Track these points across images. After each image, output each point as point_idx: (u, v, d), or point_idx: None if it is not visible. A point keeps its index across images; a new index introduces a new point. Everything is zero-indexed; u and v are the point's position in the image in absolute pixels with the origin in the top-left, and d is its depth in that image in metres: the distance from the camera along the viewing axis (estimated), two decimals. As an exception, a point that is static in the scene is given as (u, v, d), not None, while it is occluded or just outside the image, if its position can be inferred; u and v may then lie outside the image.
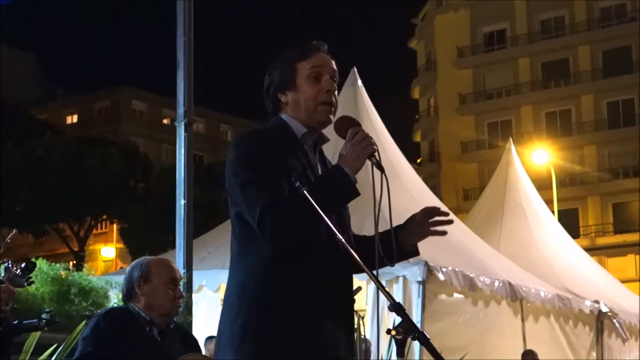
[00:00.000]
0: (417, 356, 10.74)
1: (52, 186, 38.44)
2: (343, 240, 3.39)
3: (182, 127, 11.66)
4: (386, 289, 3.31)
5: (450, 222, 3.79)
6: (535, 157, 40.30)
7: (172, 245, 12.15)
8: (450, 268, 11.52)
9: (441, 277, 11.23)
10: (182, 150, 11.60)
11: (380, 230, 3.66)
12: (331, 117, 3.75)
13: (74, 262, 38.10)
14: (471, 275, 11.84)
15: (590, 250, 29.76)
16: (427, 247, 12.08)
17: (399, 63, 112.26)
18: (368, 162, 3.55)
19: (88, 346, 4.77)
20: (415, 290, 11.20)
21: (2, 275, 4.95)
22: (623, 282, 21.40)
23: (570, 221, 39.45)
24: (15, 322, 4.85)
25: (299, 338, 3.45)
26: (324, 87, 3.72)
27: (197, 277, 11.75)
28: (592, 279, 17.20)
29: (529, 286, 13.36)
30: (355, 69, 15.02)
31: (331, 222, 3.40)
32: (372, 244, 3.60)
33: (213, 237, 13.81)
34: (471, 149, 55.02)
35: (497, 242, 16.50)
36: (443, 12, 57.16)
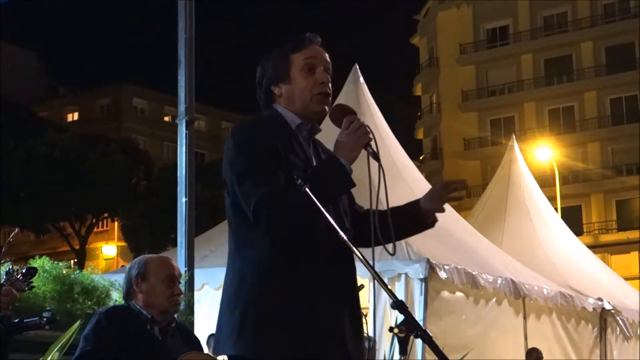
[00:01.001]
0: (419, 354, 10.72)
1: (53, 184, 38.43)
2: (345, 237, 3.37)
3: (184, 124, 11.64)
4: (388, 286, 3.29)
5: (465, 186, 3.90)
6: (538, 154, 40.29)
7: (174, 243, 12.14)
8: (452, 266, 11.50)
9: (443, 274, 11.21)
10: (184, 147, 11.59)
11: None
12: (326, 107, 3.74)
13: (75, 260, 38.23)
14: (473, 273, 11.82)
15: (594, 247, 29.77)
16: (429, 244, 12.08)
17: (401, 60, 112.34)
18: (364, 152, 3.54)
19: (89, 344, 4.77)
20: (417, 288, 11.18)
21: (3, 278, 4.95)
22: (626, 279, 21.37)
23: (573, 218, 39.47)
24: (17, 320, 4.84)
25: (298, 330, 3.44)
26: (318, 78, 3.71)
27: (199, 275, 11.74)
28: (596, 277, 17.17)
29: (532, 284, 13.34)
30: (357, 66, 14.99)
31: (330, 215, 3.38)
32: (380, 219, 3.62)
33: (215, 235, 13.79)
34: (474, 146, 55.00)
35: (500, 239, 16.48)
36: (445, 8, 57.10)
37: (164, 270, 5.06)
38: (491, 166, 42.15)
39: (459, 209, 18.59)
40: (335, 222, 3.39)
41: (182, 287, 10.49)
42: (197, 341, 5.36)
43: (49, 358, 6.02)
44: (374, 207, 3.61)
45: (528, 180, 18.73)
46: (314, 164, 3.70)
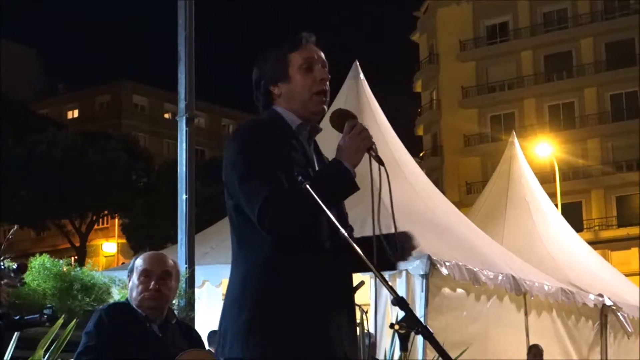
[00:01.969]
0: (420, 350, 10.73)
1: (53, 181, 38.43)
2: (345, 234, 3.36)
3: (184, 121, 11.63)
4: (389, 283, 3.29)
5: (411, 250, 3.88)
6: (539, 150, 40.31)
7: (174, 240, 12.13)
8: (453, 262, 11.50)
9: (444, 271, 11.21)
10: (184, 144, 11.58)
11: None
12: (325, 107, 3.74)
13: (76, 257, 38.24)
14: (474, 269, 11.82)
15: (594, 243, 29.76)
16: (430, 240, 12.08)
17: (401, 56, 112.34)
18: (366, 155, 3.53)
19: (91, 340, 4.80)
20: (418, 284, 11.17)
21: None
22: (626, 275, 21.37)
23: (573, 214, 39.48)
24: (17, 317, 4.83)
25: (305, 331, 3.43)
26: (318, 76, 3.71)
27: (200, 273, 11.74)
28: (596, 273, 17.17)
29: (533, 280, 13.34)
30: (358, 63, 14.98)
31: (332, 216, 3.37)
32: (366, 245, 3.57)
33: (215, 232, 13.79)
34: (474, 142, 55.04)
35: (501, 235, 16.49)
36: (445, 4, 57.09)
37: (141, 265, 5.08)
38: (491, 162, 42.14)
39: (459, 206, 18.61)
40: (337, 219, 3.39)
41: (182, 284, 10.52)
42: (198, 337, 5.37)
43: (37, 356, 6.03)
44: (376, 209, 3.59)
45: (528, 177, 18.73)
46: (315, 164, 3.70)
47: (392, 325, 3.28)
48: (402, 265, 10.97)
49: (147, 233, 38.84)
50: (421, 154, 57.65)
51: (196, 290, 11.42)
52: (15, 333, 5.21)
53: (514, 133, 20.20)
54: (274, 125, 3.65)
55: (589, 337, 14.89)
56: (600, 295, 15.06)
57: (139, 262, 5.10)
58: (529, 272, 13.88)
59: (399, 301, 3.19)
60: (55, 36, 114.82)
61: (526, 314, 13.33)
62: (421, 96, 60.51)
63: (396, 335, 3.30)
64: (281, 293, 3.44)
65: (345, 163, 3.47)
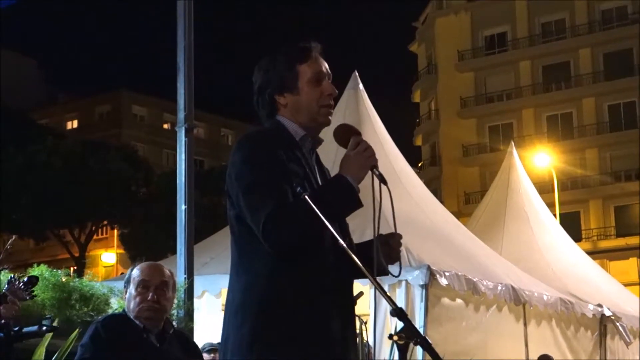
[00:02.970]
0: (419, 361, 10.71)
1: (52, 191, 38.42)
2: (345, 245, 3.37)
3: (183, 131, 11.65)
4: (388, 293, 3.30)
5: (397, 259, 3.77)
6: (537, 160, 40.32)
7: (173, 251, 12.14)
8: (453, 272, 11.49)
9: (444, 281, 11.20)
10: (183, 155, 11.59)
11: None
12: (330, 119, 3.74)
13: (75, 267, 38.21)
14: (474, 279, 11.81)
15: (593, 253, 29.75)
16: (430, 251, 12.08)
17: (400, 66, 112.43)
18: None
19: (87, 352, 4.78)
20: (417, 295, 11.16)
21: (4, 287, 4.94)
22: (625, 285, 21.35)
23: (572, 224, 39.48)
24: (16, 328, 4.83)
25: (307, 343, 3.43)
26: (325, 89, 3.71)
27: (199, 283, 11.72)
28: (595, 283, 17.15)
29: (532, 290, 13.33)
30: (357, 73, 14.99)
31: (333, 227, 3.38)
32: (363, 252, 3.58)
33: (214, 242, 13.77)
34: (472, 152, 55.06)
35: (499, 245, 16.47)
36: (444, 15, 57.19)
37: (139, 276, 5.06)
38: (490, 172, 42.19)
39: (458, 216, 18.60)
40: (337, 231, 3.40)
41: (181, 294, 10.51)
42: (196, 347, 5.37)
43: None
44: (377, 226, 3.59)
45: (527, 187, 18.72)
46: (317, 175, 3.71)
47: (390, 336, 3.28)
48: (401, 275, 11.00)
49: (147, 243, 38.81)
50: (420, 164, 57.65)
51: (195, 300, 11.41)
52: None
53: (513, 143, 20.19)
54: (277, 136, 3.64)
55: (588, 347, 14.87)
56: (600, 306, 15.04)
57: (136, 273, 5.07)
58: (528, 282, 13.87)
59: (397, 312, 3.20)
60: (55, 46, 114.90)
61: (525, 324, 13.31)
62: (420, 106, 60.54)
63: (395, 346, 3.30)
64: (283, 304, 3.44)
65: (350, 179, 3.48)
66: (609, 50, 51.84)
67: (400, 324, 3.22)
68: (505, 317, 12.86)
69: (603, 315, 14.97)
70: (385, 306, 10.51)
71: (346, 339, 3.59)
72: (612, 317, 15.06)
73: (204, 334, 10.26)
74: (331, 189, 3.56)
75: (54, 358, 6.24)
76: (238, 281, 3.56)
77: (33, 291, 5.05)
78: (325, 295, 3.51)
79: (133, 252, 41.73)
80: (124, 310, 5.10)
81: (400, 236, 3.79)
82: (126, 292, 5.05)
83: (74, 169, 39.32)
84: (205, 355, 9.89)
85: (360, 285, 8.48)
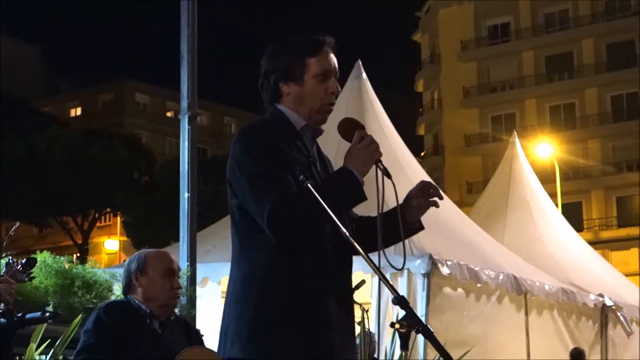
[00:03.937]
0: (421, 349, 10.74)
1: (55, 179, 38.47)
2: (347, 234, 3.37)
3: (186, 119, 11.65)
4: (390, 282, 3.31)
5: (441, 196, 3.80)
6: (539, 150, 40.26)
7: (176, 238, 12.15)
8: (455, 261, 11.51)
9: (446, 270, 11.22)
10: (186, 143, 11.60)
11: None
12: (327, 117, 3.74)
13: (78, 254, 38.27)
14: (476, 269, 11.83)
15: (594, 243, 29.72)
16: (432, 240, 12.06)
17: (403, 56, 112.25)
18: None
19: (90, 338, 4.79)
20: (419, 284, 11.18)
21: (3, 270, 4.97)
22: (627, 275, 21.35)
23: (574, 215, 39.43)
24: (19, 314, 4.86)
25: (306, 335, 3.44)
26: (330, 87, 3.71)
27: (201, 270, 11.75)
28: (596, 273, 17.16)
29: (534, 279, 13.34)
30: (360, 62, 14.99)
31: (335, 216, 3.38)
32: (374, 225, 3.60)
33: (217, 230, 13.79)
34: (475, 142, 55.04)
35: (501, 235, 16.47)
36: (447, 5, 57.09)
37: (162, 264, 5.08)
38: (492, 162, 42.14)
39: (460, 205, 18.62)
40: (339, 219, 3.40)
41: (184, 282, 10.53)
42: (197, 334, 5.38)
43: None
44: (380, 220, 3.61)
45: (529, 177, 18.71)
46: (318, 165, 3.71)
47: (392, 324, 3.29)
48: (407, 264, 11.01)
49: (149, 231, 38.82)
50: (422, 154, 57.60)
51: (197, 288, 11.43)
52: None
53: (515, 133, 20.18)
54: (279, 126, 3.64)
55: (590, 337, 14.90)
56: (601, 295, 15.06)
57: (156, 261, 5.09)
58: (529, 271, 13.88)
59: (399, 300, 3.21)
60: (58, 34, 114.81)
61: (527, 314, 13.34)
62: (422, 96, 60.50)
63: (397, 334, 3.31)
64: (284, 295, 3.45)
65: (355, 173, 3.48)
66: (612, 41, 51.76)
67: (402, 312, 3.23)
68: (507, 307, 12.88)
69: (604, 305, 14.99)
70: (387, 294, 10.53)
71: (345, 332, 3.60)
72: (614, 307, 15.09)
73: (206, 321, 10.29)
74: (336, 181, 3.55)
75: (57, 344, 6.27)
76: (238, 271, 3.57)
77: (32, 273, 5.08)
78: (325, 287, 3.52)
79: (136, 239, 41.76)
80: (125, 296, 5.11)
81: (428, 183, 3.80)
82: (140, 278, 5.03)
83: (76, 157, 39.35)
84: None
85: (362, 274, 8.52)
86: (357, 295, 6.74)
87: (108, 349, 4.74)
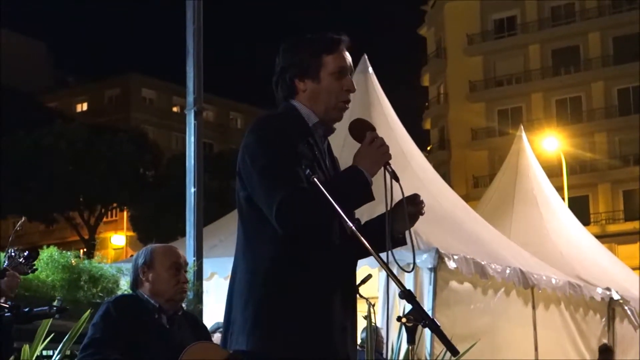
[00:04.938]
0: (427, 344, 10.74)
1: (62, 174, 38.50)
2: (354, 228, 3.38)
3: (192, 114, 11.66)
4: (397, 276, 3.31)
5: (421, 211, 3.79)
6: (546, 144, 40.22)
7: (183, 233, 12.17)
8: (461, 255, 11.51)
9: (452, 264, 11.22)
10: (192, 138, 11.61)
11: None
12: (343, 114, 3.75)
13: (84, 250, 38.31)
14: (482, 263, 11.83)
15: (601, 237, 29.68)
16: (438, 234, 12.07)
17: (409, 50, 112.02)
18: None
19: (98, 332, 4.80)
20: (426, 278, 11.18)
21: (5, 263, 4.98)
22: (633, 269, 21.35)
23: (580, 208, 39.41)
24: (26, 309, 4.87)
25: (309, 329, 3.45)
26: (346, 85, 3.72)
27: (208, 265, 11.77)
28: (603, 266, 17.16)
29: (540, 273, 13.34)
30: (366, 56, 14.98)
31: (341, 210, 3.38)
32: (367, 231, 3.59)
33: (223, 225, 13.81)
34: (481, 136, 54.99)
35: (508, 229, 16.47)
36: (453, -1, 57.00)
37: (169, 258, 5.10)
38: (499, 156, 42.09)
39: (467, 199, 18.60)
40: (346, 214, 3.40)
41: (190, 276, 10.55)
42: (205, 329, 5.40)
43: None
44: (389, 220, 3.62)
45: (536, 170, 18.71)
46: (327, 163, 3.72)
47: (399, 319, 3.30)
48: (410, 258, 11.01)
49: (156, 226, 38.86)
50: (428, 148, 57.55)
51: (204, 282, 11.45)
52: None
53: (522, 127, 20.16)
54: (292, 120, 3.65)
55: (597, 330, 14.89)
56: (608, 289, 15.06)
57: (161, 255, 5.11)
58: (536, 265, 13.88)
59: (406, 294, 3.22)
60: (65, 29, 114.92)
61: (534, 308, 13.34)
62: (429, 90, 60.44)
63: (403, 328, 3.31)
64: (289, 289, 3.46)
65: (365, 173, 3.49)
66: (619, 34, 51.64)
67: (408, 307, 3.23)
68: (514, 301, 12.88)
69: (611, 298, 14.99)
70: (394, 288, 10.54)
71: (347, 329, 3.62)
72: (621, 301, 15.09)
73: (213, 316, 10.30)
74: (346, 179, 3.56)
75: (65, 339, 6.28)
76: (244, 263, 3.58)
77: (34, 264, 5.10)
78: (331, 279, 3.53)
79: (142, 234, 41.80)
80: (133, 291, 5.12)
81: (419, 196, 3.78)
82: (147, 272, 5.05)
83: (83, 152, 39.39)
84: (216, 335, 9.94)
85: (369, 268, 8.51)
86: (364, 290, 6.76)
87: (116, 343, 4.75)
